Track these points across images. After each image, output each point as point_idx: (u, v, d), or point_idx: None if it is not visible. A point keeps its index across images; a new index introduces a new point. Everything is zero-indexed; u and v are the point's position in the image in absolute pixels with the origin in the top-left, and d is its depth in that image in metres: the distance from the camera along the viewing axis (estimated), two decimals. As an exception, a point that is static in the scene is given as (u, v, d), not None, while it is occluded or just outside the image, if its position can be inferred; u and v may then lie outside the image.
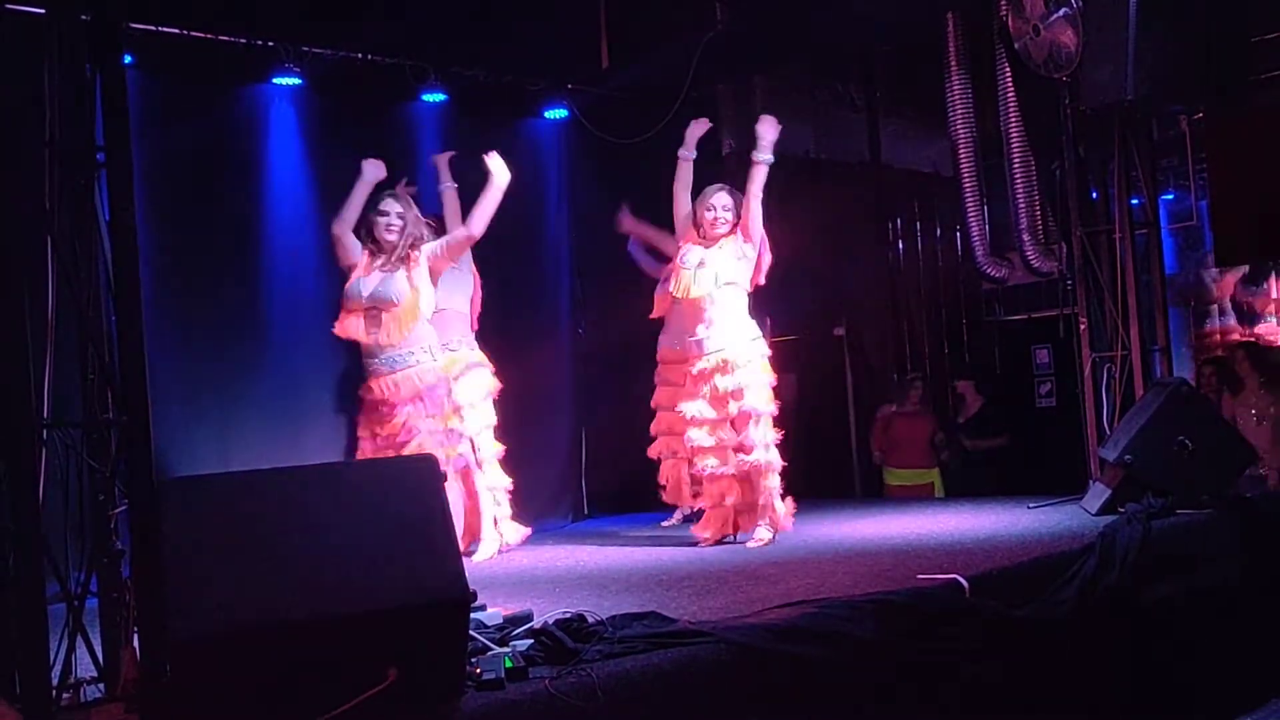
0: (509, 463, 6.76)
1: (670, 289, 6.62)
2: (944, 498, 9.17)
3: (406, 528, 3.38)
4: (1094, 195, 7.54)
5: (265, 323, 6.84)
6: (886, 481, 9.52)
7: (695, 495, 6.87)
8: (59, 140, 3.62)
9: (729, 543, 6.47)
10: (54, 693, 3.26)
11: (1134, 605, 5.17)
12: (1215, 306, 10.47)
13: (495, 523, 6.57)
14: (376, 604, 3.22)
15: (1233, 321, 10.33)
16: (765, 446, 6.32)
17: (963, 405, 9.94)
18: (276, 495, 3.39)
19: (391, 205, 6.02)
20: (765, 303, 8.50)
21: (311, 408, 6.89)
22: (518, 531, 6.72)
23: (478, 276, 6.77)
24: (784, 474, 6.47)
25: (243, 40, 6.60)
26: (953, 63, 9.38)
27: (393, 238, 5.94)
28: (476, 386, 6.52)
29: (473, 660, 3.53)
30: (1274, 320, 10.35)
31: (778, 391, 6.46)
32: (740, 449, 6.33)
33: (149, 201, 5.61)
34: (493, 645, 3.76)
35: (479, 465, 6.47)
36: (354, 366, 6.29)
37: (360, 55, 7.05)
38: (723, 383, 6.30)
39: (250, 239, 6.84)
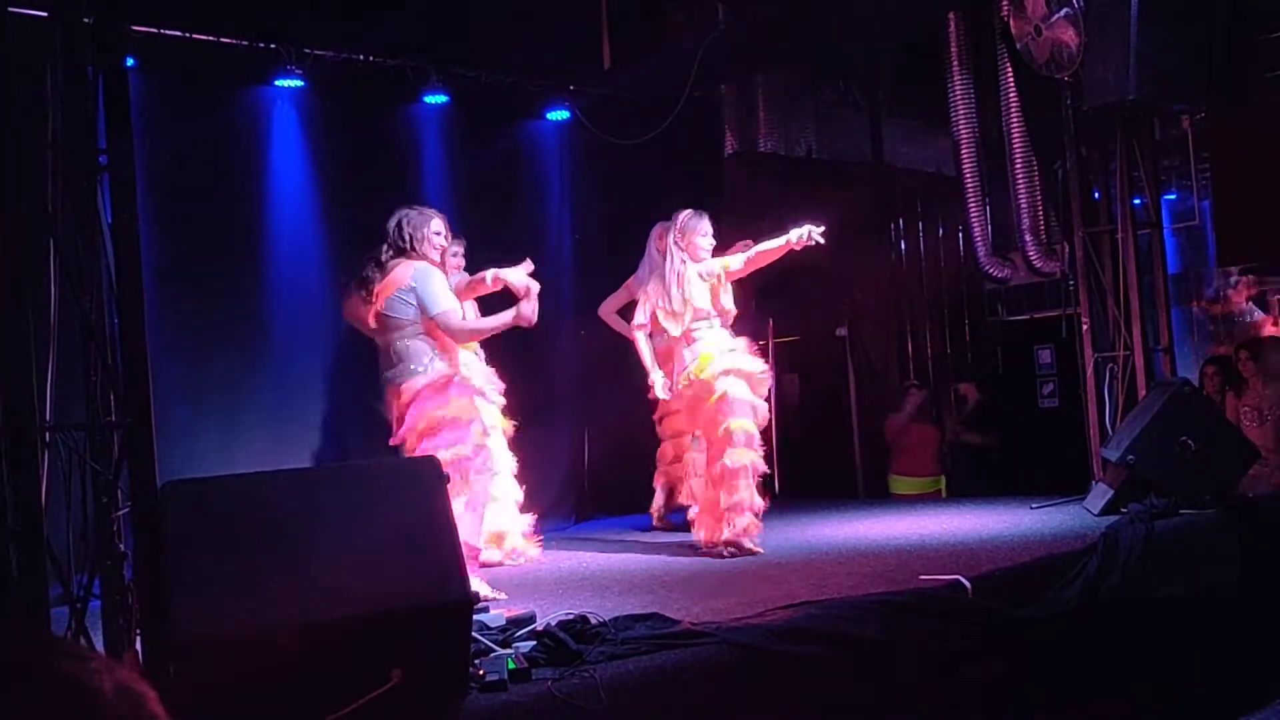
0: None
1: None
2: (946, 498, 9.17)
3: (409, 529, 3.38)
4: (1096, 195, 7.54)
5: (268, 324, 6.84)
6: (893, 490, 9.50)
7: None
8: (62, 143, 3.63)
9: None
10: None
11: (1137, 605, 5.17)
12: (1245, 307, 10.41)
13: None
14: (380, 605, 3.22)
15: (1260, 315, 10.26)
16: None
17: (965, 406, 9.95)
18: (280, 497, 3.40)
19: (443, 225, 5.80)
20: (767, 303, 8.53)
21: (315, 409, 6.90)
22: None
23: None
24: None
25: (245, 42, 6.60)
26: (955, 63, 9.39)
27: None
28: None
29: (476, 662, 3.53)
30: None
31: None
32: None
33: (151, 204, 5.61)
34: (496, 647, 3.76)
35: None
36: (357, 367, 6.29)
37: (362, 57, 7.05)
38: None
39: (253, 241, 6.83)
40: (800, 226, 6.32)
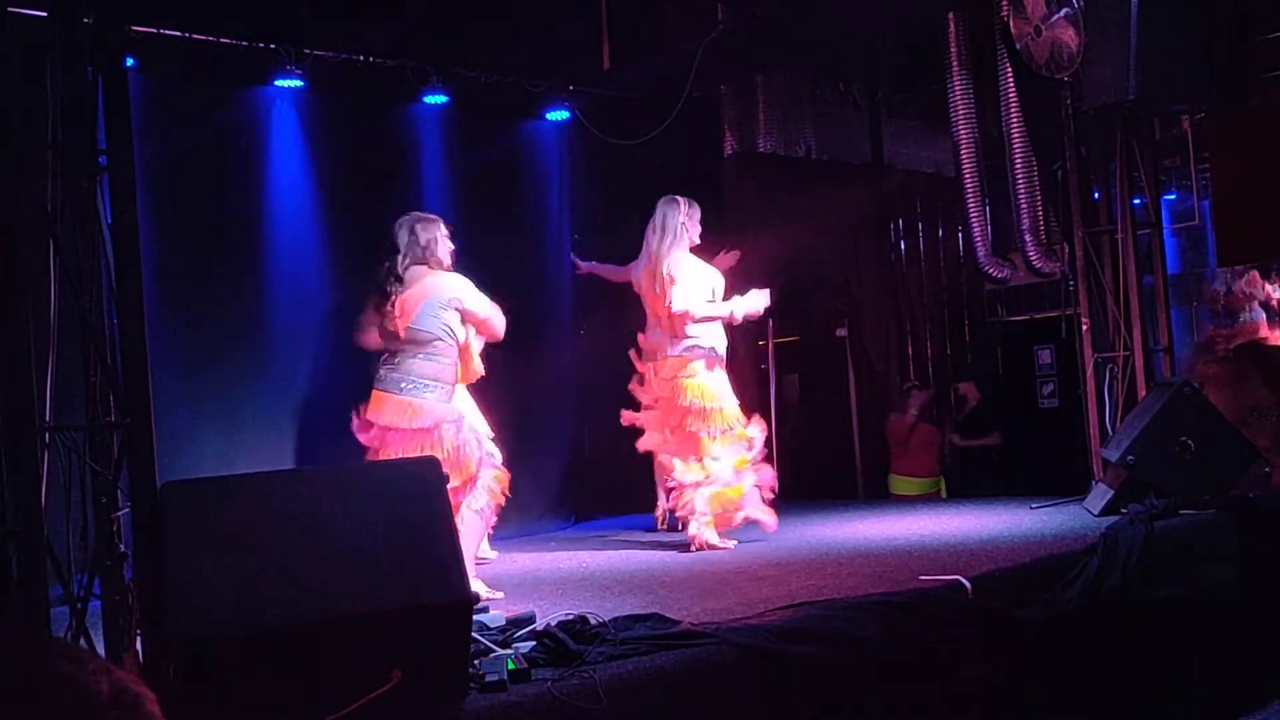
0: (512, 464, 6.76)
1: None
2: (946, 498, 9.16)
3: (409, 529, 3.38)
4: (1096, 195, 7.54)
5: (268, 324, 6.84)
6: (894, 490, 9.49)
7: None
8: (61, 143, 3.63)
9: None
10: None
11: (1137, 606, 5.17)
12: (1247, 306, 10.32)
13: None
14: (379, 606, 3.22)
15: (1262, 318, 10.18)
16: None
17: (965, 406, 9.95)
18: (279, 497, 3.39)
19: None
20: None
21: (315, 409, 6.89)
22: None
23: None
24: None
25: (244, 42, 6.60)
26: (954, 63, 9.38)
27: None
28: None
29: (475, 662, 3.53)
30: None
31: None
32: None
33: (151, 204, 5.61)
34: (495, 647, 3.76)
35: None
36: (357, 367, 6.29)
37: (362, 57, 7.05)
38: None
39: (252, 241, 6.83)
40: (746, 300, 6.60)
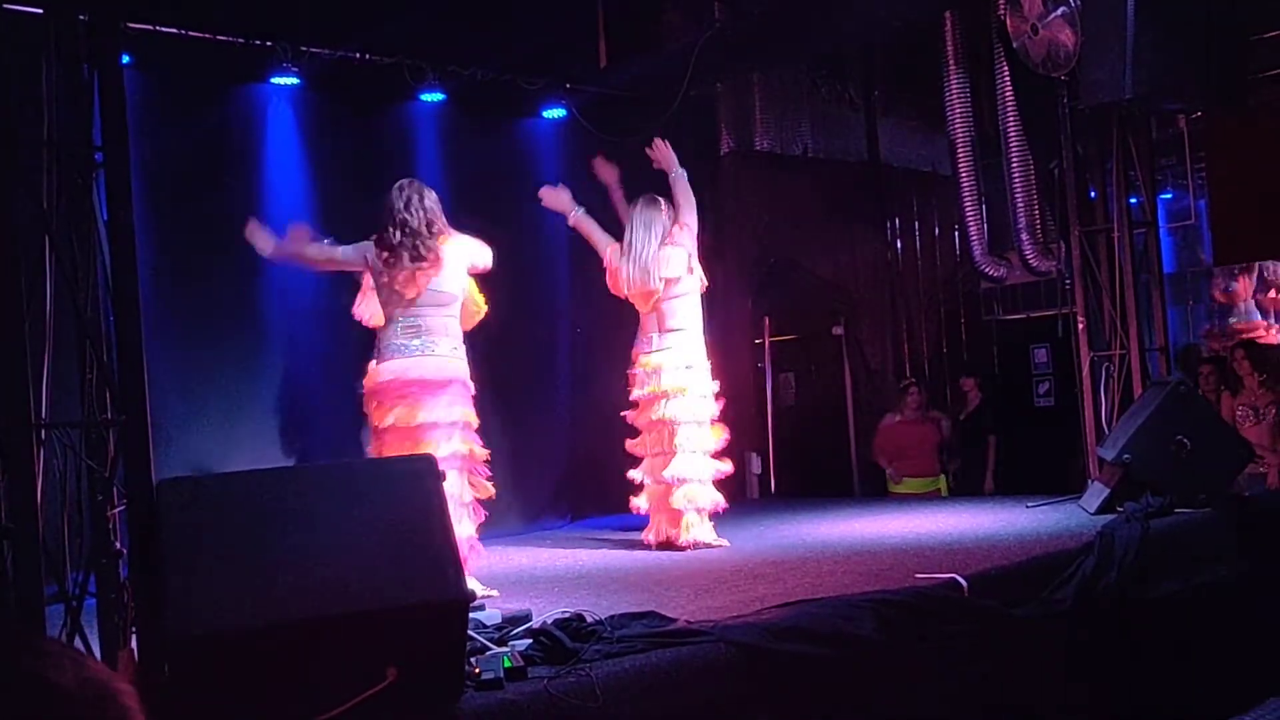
0: (509, 461, 6.77)
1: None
2: (945, 497, 9.15)
3: (405, 527, 3.37)
4: (1092, 194, 7.55)
5: (264, 322, 6.84)
6: (893, 491, 9.47)
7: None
8: (57, 139, 3.62)
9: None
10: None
11: (1132, 604, 5.17)
12: (1243, 305, 10.32)
13: None
14: (375, 604, 3.21)
15: (1258, 318, 10.16)
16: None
17: (965, 403, 9.93)
18: (275, 495, 3.39)
19: None
20: (763, 302, 8.52)
21: (311, 407, 6.89)
22: None
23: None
24: None
25: (241, 40, 6.60)
26: (951, 62, 9.39)
27: None
28: None
29: (472, 660, 3.53)
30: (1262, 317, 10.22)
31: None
32: None
33: (147, 201, 5.59)
34: (491, 645, 3.76)
35: None
36: (353, 364, 6.28)
37: (358, 55, 7.05)
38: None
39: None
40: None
